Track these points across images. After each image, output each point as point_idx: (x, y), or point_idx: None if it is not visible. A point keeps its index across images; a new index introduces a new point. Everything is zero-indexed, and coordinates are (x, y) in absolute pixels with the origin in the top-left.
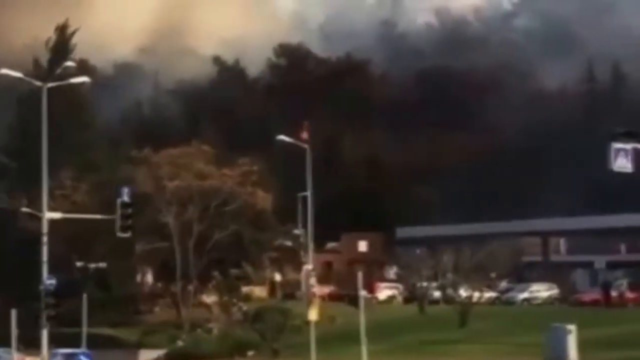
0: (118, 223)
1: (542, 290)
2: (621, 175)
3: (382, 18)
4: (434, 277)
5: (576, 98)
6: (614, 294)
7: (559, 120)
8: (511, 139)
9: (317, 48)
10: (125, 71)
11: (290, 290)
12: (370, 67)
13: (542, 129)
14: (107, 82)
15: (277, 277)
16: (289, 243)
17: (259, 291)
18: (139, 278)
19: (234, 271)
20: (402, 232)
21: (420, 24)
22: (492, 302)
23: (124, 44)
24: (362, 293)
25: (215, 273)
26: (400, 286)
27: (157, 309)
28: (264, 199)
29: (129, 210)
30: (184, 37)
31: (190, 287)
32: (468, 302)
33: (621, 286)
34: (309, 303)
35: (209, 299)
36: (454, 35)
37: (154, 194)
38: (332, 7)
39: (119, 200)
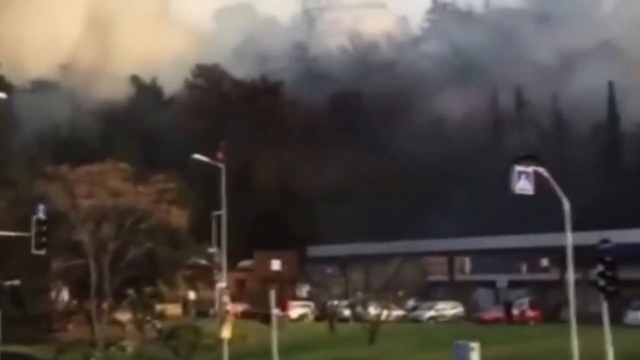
0: (33, 240)
1: (447, 309)
2: (523, 196)
3: (296, 41)
4: (345, 296)
5: (481, 123)
6: (515, 312)
7: (465, 143)
8: (419, 161)
9: (233, 69)
10: (43, 89)
11: (204, 308)
12: (284, 89)
13: (449, 152)
14: (24, 99)
15: (191, 295)
16: (203, 261)
17: (173, 309)
18: (53, 295)
19: (148, 289)
20: (314, 250)
21: (333, 48)
22: (400, 320)
23: (42, 62)
24: (275, 311)
25: (130, 291)
26: (312, 304)
27: (70, 326)
28: (179, 217)
29: (44, 228)
30: (103, 55)
31: (105, 305)
32: (377, 320)
33: (522, 305)
34: (222, 321)
35: (124, 316)
36: (365, 59)
37: (69, 211)
38: (247, 28)
39: (34, 217)
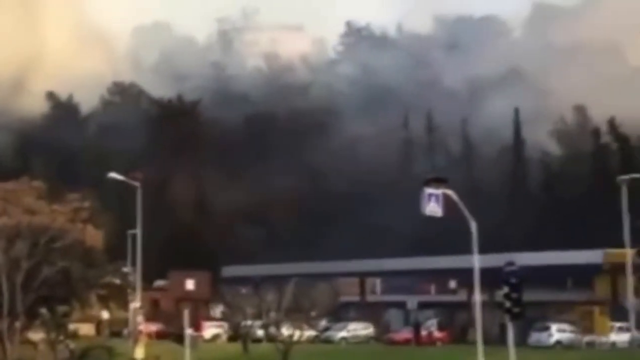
0: None
1: (359, 329)
2: (433, 218)
3: (213, 61)
4: (258, 316)
5: (393, 145)
6: (424, 333)
7: (377, 165)
8: (332, 182)
9: (150, 87)
10: None
11: (118, 328)
12: (200, 109)
13: (361, 173)
14: None
15: (105, 314)
16: (117, 280)
17: (87, 329)
18: None
19: (61, 308)
20: (229, 270)
21: (249, 68)
22: (312, 340)
23: None
24: (188, 331)
25: (43, 310)
26: (225, 325)
27: None
28: (94, 236)
29: None
30: (19, 71)
31: (17, 324)
32: (289, 341)
33: (431, 326)
34: (135, 341)
35: (36, 336)
36: (281, 80)
37: None
38: (164, 47)
39: None
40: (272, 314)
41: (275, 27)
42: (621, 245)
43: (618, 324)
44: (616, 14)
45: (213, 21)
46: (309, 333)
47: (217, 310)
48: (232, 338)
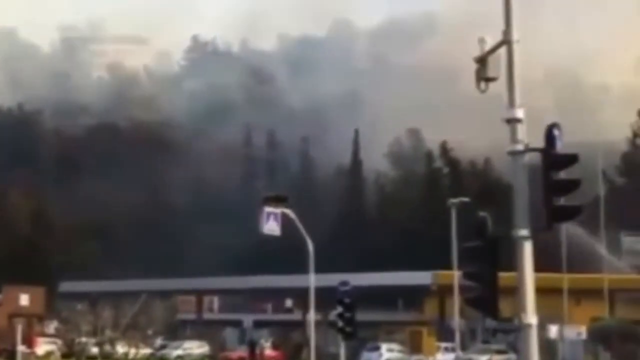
0: None
1: (194, 348)
2: (272, 236)
3: (56, 70)
4: (93, 333)
5: (235, 161)
6: (257, 351)
7: (219, 181)
8: (173, 197)
9: None
10: None
11: None
12: (42, 119)
13: (202, 190)
14: None
15: None
16: None
17: None
18: None
19: None
20: (65, 286)
21: (93, 78)
22: (147, 358)
23: None
24: (21, 347)
25: None
26: (60, 341)
27: None
28: None
29: None
30: None
31: None
32: (124, 359)
33: (265, 344)
34: None
35: None
36: (125, 92)
37: None
38: (6, 54)
39: None
40: (108, 331)
41: (121, 39)
42: (450, 267)
43: (444, 344)
44: (452, 41)
45: (58, 29)
46: (145, 351)
47: (52, 326)
48: (65, 355)
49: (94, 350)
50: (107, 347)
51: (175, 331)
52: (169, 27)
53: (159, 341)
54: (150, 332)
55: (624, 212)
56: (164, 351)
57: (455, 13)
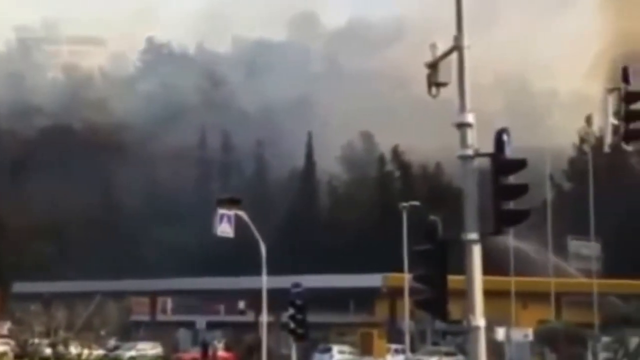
0: None
1: (147, 349)
2: (225, 238)
3: (11, 70)
4: (47, 334)
5: (189, 163)
6: (210, 353)
7: (173, 183)
8: (127, 198)
9: None
10: None
11: None
12: None
13: (157, 191)
14: None
15: None
16: None
17: None
18: None
19: None
20: (19, 287)
21: (48, 79)
22: (100, 359)
23: None
24: None
25: None
26: (12, 342)
27: None
28: None
29: None
30: None
31: None
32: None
33: (217, 346)
34: None
35: None
36: (79, 93)
37: None
38: None
39: None
40: (61, 332)
41: (76, 40)
42: (401, 269)
43: (395, 346)
44: (404, 46)
45: (13, 30)
46: (98, 352)
47: (5, 327)
48: (18, 356)
49: (47, 351)
50: (61, 348)
51: (129, 332)
52: (124, 28)
53: (112, 342)
54: (103, 333)
55: (571, 217)
56: (117, 352)
57: (410, 19)
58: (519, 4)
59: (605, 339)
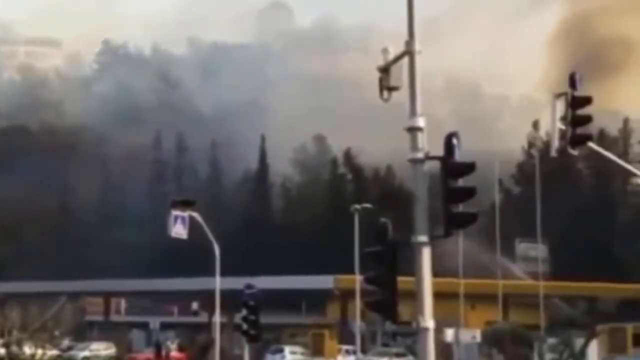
0: None
1: (101, 349)
2: (179, 240)
3: None
4: (1, 334)
5: (144, 165)
6: (163, 353)
7: (128, 184)
8: (82, 199)
9: None
10: None
11: None
12: None
13: (111, 193)
14: None
15: None
16: None
17: None
18: None
19: None
20: None
21: (4, 80)
22: (54, 359)
23: None
24: None
25: None
26: None
27: None
28: None
29: None
30: None
31: None
32: None
33: (170, 346)
34: None
35: None
36: (35, 94)
37: None
38: None
39: None
40: (15, 333)
41: (32, 41)
42: (353, 271)
43: (346, 347)
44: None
45: None
46: (52, 352)
47: None
48: None
49: (1, 351)
50: (15, 348)
51: (83, 332)
52: (80, 29)
53: (66, 342)
54: (57, 333)
55: (519, 220)
56: (71, 352)
57: (361, 25)
58: (476, 14)
59: (551, 340)
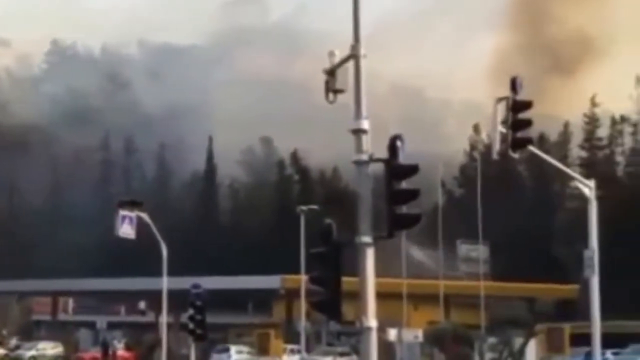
0: None
1: (48, 348)
2: (126, 240)
3: None
4: None
5: (92, 166)
6: (110, 352)
7: (75, 185)
8: (29, 199)
9: None
10: None
11: None
12: None
13: (59, 193)
14: None
15: None
16: None
17: None
18: None
19: None
20: None
21: None
22: (1, 358)
23: None
24: None
25: None
26: None
27: None
28: None
29: None
30: None
31: None
32: None
33: (117, 345)
34: None
35: None
36: None
37: None
38: None
39: None
40: None
41: None
42: (299, 271)
43: (291, 346)
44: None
45: None
46: (0, 351)
47: None
48: None
49: None
50: None
51: (30, 332)
52: (29, 29)
53: (13, 341)
54: (4, 332)
55: (461, 221)
56: (18, 352)
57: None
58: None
59: (491, 340)
